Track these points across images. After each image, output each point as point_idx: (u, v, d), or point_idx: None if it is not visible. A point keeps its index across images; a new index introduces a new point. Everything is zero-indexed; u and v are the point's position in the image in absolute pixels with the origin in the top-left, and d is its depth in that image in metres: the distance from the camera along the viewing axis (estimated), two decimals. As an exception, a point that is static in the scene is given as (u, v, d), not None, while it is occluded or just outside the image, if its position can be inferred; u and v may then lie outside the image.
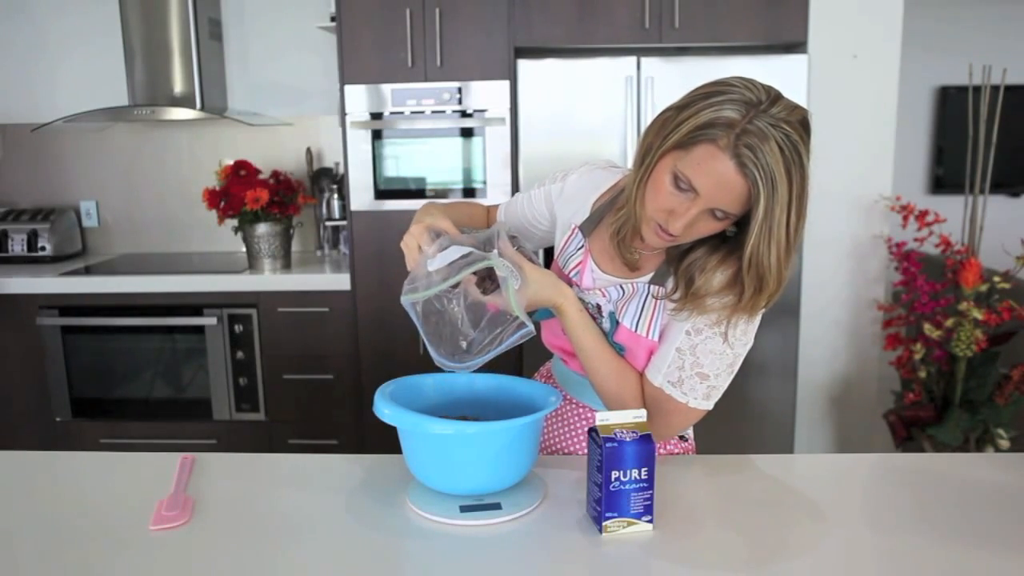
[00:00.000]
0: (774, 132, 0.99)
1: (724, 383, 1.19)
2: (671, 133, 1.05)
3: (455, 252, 1.13)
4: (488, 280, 1.14)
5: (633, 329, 1.20)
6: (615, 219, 1.19)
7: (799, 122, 1.02)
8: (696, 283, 1.13)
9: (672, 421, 1.20)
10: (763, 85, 1.05)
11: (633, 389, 1.21)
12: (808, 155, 1.03)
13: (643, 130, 1.13)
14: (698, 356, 1.16)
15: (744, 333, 1.16)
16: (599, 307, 1.25)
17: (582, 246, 1.29)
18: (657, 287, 1.19)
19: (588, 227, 1.29)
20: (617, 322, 1.22)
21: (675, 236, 1.09)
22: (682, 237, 1.10)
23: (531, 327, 1.12)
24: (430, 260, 1.13)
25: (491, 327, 1.13)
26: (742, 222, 1.08)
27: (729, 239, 1.13)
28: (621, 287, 1.23)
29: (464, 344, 1.14)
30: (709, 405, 1.19)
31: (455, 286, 1.13)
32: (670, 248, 1.19)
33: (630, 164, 1.17)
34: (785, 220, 1.03)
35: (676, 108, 1.07)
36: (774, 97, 1.03)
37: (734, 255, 1.12)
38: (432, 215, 1.22)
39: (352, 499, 1.16)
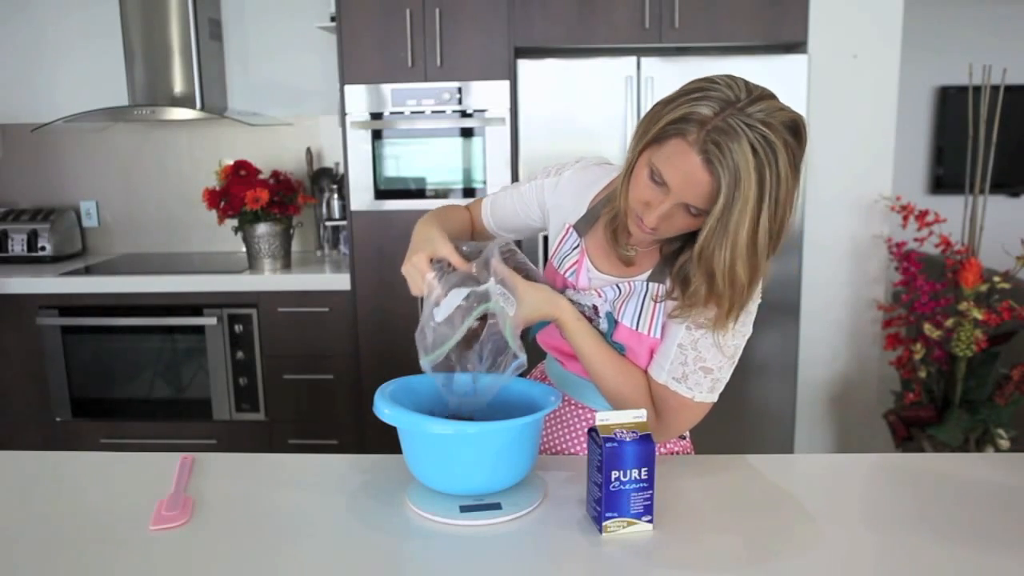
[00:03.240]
0: (747, 132, 0.98)
1: (727, 374, 1.19)
2: (650, 127, 1.06)
3: (456, 297, 1.15)
4: (483, 318, 1.16)
5: (634, 328, 1.21)
6: (608, 213, 1.20)
7: (783, 125, 1.00)
8: (692, 284, 1.14)
9: (680, 417, 1.21)
10: (748, 84, 1.04)
11: (638, 389, 1.21)
12: (790, 159, 1.01)
13: (637, 124, 1.13)
14: (700, 351, 1.16)
15: (743, 325, 1.16)
16: (595, 308, 1.25)
17: (578, 245, 1.29)
18: (656, 286, 1.20)
19: (584, 226, 1.29)
20: (616, 322, 1.22)
21: (654, 229, 1.10)
22: (661, 231, 1.11)
23: (523, 359, 1.13)
24: (436, 309, 1.15)
25: (493, 356, 1.16)
26: None
27: None
28: (617, 286, 1.23)
29: (471, 376, 1.18)
30: (714, 397, 1.20)
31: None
32: (664, 247, 1.19)
33: None
34: (747, 221, 1.00)
35: (662, 102, 1.08)
36: (756, 97, 1.02)
37: None
38: (432, 240, 1.20)
39: (352, 499, 1.16)
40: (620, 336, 1.22)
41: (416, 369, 1.23)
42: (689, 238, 1.15)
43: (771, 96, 1.04)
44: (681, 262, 1.16)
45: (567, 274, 1.29)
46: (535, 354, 1.44)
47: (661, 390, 1.20)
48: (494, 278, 1.15)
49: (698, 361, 1.16)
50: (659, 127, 1.04)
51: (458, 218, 1.41)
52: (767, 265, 1.07)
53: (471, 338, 1.16)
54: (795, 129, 1.02)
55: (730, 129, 0.99)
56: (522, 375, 1.22)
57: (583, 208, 1.30)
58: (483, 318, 1.16)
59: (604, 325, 1.24)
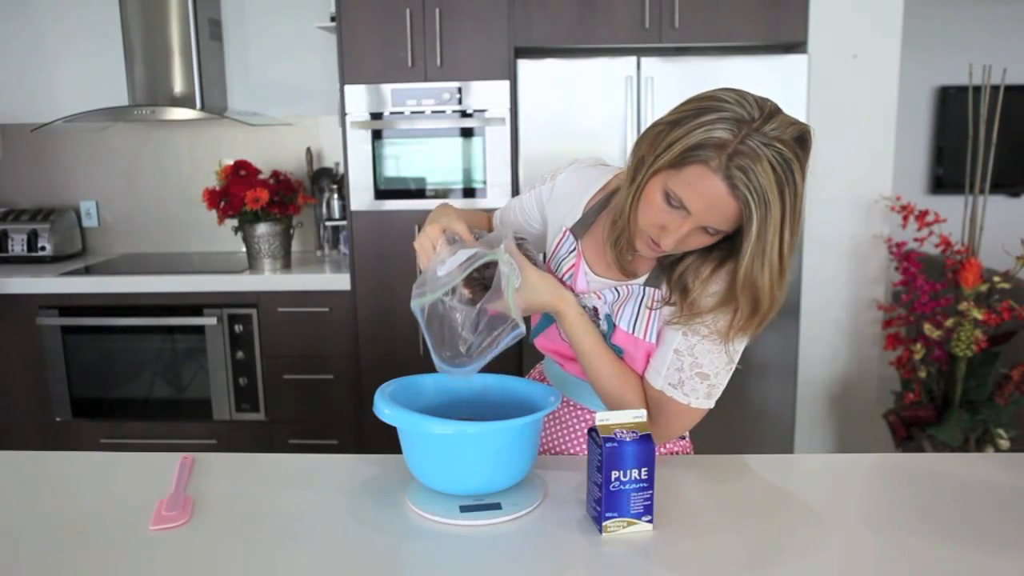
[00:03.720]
0: (766, 151, 0.98)
1: (724, 381, 1.19)
2: (663, 152, 1.04)
3: (463, 255, 1.14)
4: (483, 288, 1.15)
5: (630, 331, 1.20)
6: (613, 231, 1.18)
7: (794, 139, 1.01)
8: (691, 294, 1.14)
9: (675, 422, 1.20)
10: (757, 99, 1.03)
11: (635, 392, 1.21)
12: (803, 172, 1.02)
13: (635, 141, 1.12)
14: (696, 356, 1.16)
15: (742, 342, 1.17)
16: (595, 310, 1.24)
17: (574, 249, 1.28)
18: (652, 291, 1.20)
19: (580, 229, 1.28)
20: (614, 325, 1.22)
21: (666, 251, 1.10)
22: (674, 251, 1.11)
23: (523, 328, 1.12)
24: (440, 265, 1.14)
25: (489, 330, 1.14)
26: (733, 232, 1.09)
27: (718, 244, 1.13)
28: (616, 289, 1.23)
29: (463, 348, 1.14)
30: (711, 404, 1.19)
31: (456, 289, 1.14)
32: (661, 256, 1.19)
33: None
34: (778, 239, 1.02)
35: (668, 124, 1.06)
36: (768, 113, 1.01)
37: (726, 264, 1.12)
38: (447, 216, 1.21)
39: (352, 499, 1.16)
40: (618, 339, 1.22)
41: (416, 369, 1.23)
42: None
43: (778, 109, 1.04)
44: (680, 271, 1.16)
45: (564, 277, 1.29)
46: (533, 355, 1.44)
47: (657, 395, 1.20)
48: (504, 248, 1.15)
49: (694, 367, 1.16)
50: (675, 153, 1.02)
51: (476, 216, 1.44)
52: (788, 275, 1.08)
53: (467, 294, 1.14)
54: (803, 141, 1.03)
55: (751, 152, 0.98)
56: (520, 374, 1.22)
57: (579, 211, 1.29)
58: (483, 289, 1.14)
59: (603, 327, 1.23)
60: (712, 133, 1.00)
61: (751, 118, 1.00)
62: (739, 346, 1.17)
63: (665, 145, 1.04)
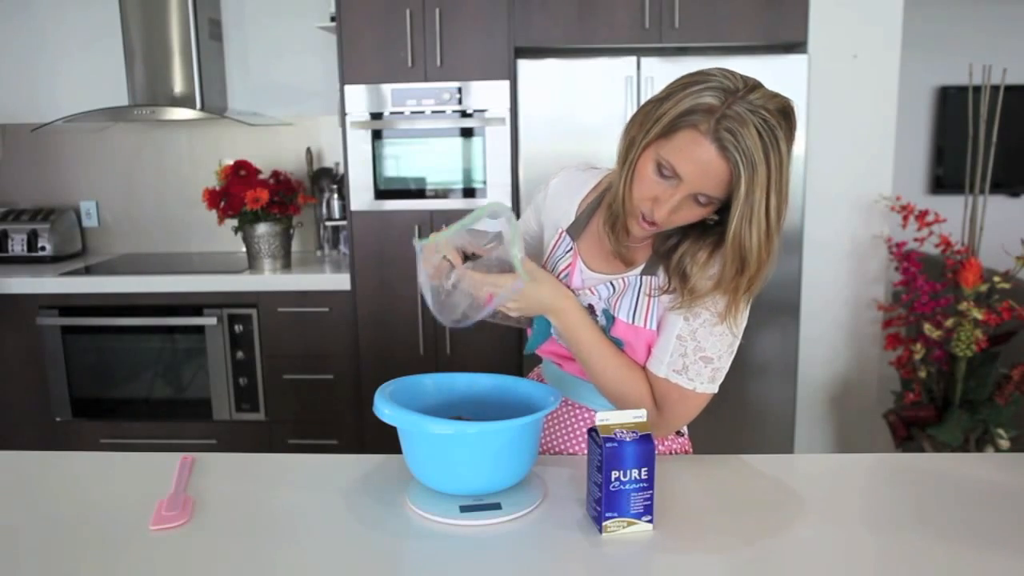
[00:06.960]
0: (752, 117, 1.03)
1: (727, 364, 1.20)
2: (653, 125, 1.08)
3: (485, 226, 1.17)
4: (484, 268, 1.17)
5: (630, 322, 1.21)
6: (608, 217, 1.21)
7: (777, 110, 1.05)
8: (691, 279, 1.15)
9: (680, 410, 1.21)
10: (741, 75, 1.08)
11: (639, 385, 1.22)
12: (788, 142, 1.06)
13: (625, 125, 1.14)
14: (699, 340, 1.17)
15: (746, 308, 1.18)
16: (591, 307, 1.25)
17: (570, 248, 1.30)
18: (649, 279, 1.21)
19: (576, 230, 1.31)
20: (613, 318, 1.23)
21: (659, 224, 1.12)
22: (666, 224, 1.13)
23: (523, 283, 1.13)
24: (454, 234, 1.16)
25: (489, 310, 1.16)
26: (723, 208, 1.11)
27: (713, 228, 1.15)
28: (611, 284, 1.24)
29: (459, 314, 1.18)
30: (715, 388, 1.20)
31: (468, 257, 1.17)
32: (657, 242, 1.21)
33: None
34: (765, 202, 1.05)
35: (656, 100, 1.10)
36: (752, 86, 1.06)
37: (722, 246, 1.13)
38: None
39: (352, 499, 1.16)
40: (618, 331, 1.23)
41: (416, 369, 1.23)
42: (683, 233, 1.17)
43: (761, 84, 1.08)
44: (678, 256, 1.18)
45: (561, 276, 1.31)
46: (532, 358, 1.44)
47: (662, 384, 1.20)
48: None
49: (698, 351, 1.17)
50: (665, 122, 1.06)
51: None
52: (777, 243, 1.11)
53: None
54: (787, 114, 1.07)
55: (738, 116, 1.03)
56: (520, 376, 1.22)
57: (573, 213, 1.32)
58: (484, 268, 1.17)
59: (602, 322, 1.24)
60: (700, 99, 1.04)
61: (736, 88, 1.05)
62: (741, 319, 1.18)
63: (655, 118, 1.08)
